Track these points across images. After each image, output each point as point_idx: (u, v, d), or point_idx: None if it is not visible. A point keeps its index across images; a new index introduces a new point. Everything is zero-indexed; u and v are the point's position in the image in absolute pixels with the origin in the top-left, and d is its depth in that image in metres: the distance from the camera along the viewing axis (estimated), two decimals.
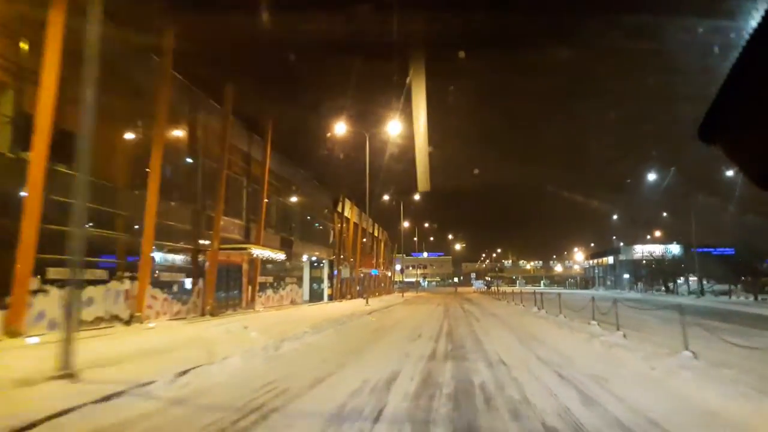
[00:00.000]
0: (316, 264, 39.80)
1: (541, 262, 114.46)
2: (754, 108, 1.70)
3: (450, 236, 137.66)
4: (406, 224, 66.25)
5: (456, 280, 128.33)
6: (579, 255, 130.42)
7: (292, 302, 30.10)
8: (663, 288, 65.01)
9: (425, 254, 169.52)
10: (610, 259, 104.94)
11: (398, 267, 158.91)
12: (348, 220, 44.58)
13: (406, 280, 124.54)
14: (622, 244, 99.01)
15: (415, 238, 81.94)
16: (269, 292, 26.78)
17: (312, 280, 39.80)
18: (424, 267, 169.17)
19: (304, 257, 36.23)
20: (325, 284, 39.34)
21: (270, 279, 27.23)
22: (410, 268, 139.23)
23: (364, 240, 57.12)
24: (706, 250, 74.90)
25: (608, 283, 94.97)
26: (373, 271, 51.33)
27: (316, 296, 39.30)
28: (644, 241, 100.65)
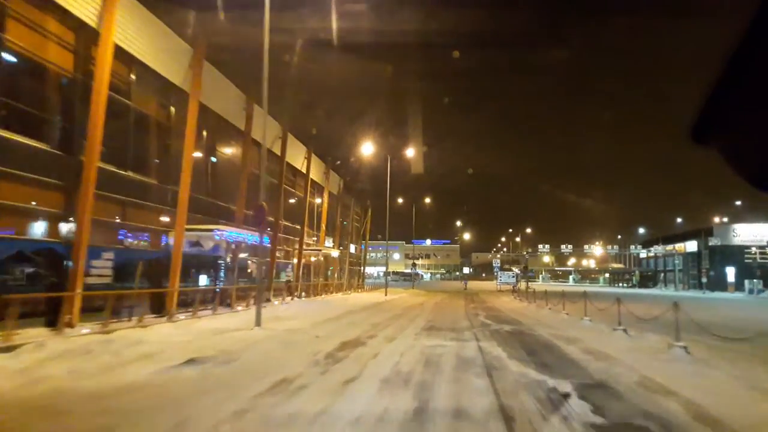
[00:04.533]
0: None
1: (570, 246, 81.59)
2: (748, 108, 1.69)
3: (458, 222, 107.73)
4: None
5: (467, 270, 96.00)
6: (599, 245, 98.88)
7: None
8: None
9: (428, 242, 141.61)
10: (690, 245, 72.35)
11: (396, 255, 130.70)
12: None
13: (406, 271, 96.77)
14: (724, 219, 66.32)
15: (398, 198, 50.17)
16: None
17: None
18: (427, 256, 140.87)
19: None
20: None
21: None
22: (409, 258, 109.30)
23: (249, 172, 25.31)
24: None
25: (704, 279, 61.86)
26: (249, 238, 19.08)
27: None
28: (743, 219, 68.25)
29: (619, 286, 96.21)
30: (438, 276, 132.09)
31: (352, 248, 45.14)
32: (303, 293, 28.23)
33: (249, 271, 22.94)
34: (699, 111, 1.73)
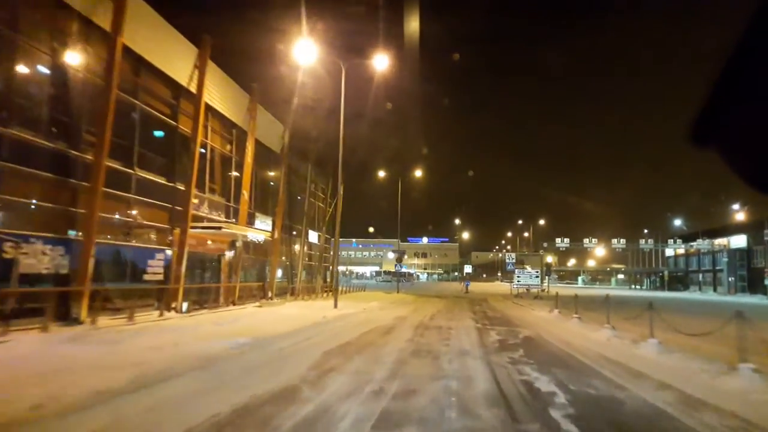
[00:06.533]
0: None
1: (594, 239, 67.32)
2: (746, 109, 1.66)
3: (457, 221, 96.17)
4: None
5: (468, 270, 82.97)
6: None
7: None
8: None
9: (425, 240, 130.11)
10: (736, 241, 59.96)
11: (391, 255, 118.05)
12: None
13: (402, 270, 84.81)
14: None
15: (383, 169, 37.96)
16: None
17: None
18: (424, 255, 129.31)
19: None
20: None
21: None
22: (405, 256, 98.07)
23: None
24: None
25: (765, 282, 49.20)
26: None
27: None
28: None
29: (635, 288, 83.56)
30: (435, 276, 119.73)
31: (314, 237, 32.62)
32: (186, 303, 15.72)
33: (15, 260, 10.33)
34: (698, 112, 1.69)
